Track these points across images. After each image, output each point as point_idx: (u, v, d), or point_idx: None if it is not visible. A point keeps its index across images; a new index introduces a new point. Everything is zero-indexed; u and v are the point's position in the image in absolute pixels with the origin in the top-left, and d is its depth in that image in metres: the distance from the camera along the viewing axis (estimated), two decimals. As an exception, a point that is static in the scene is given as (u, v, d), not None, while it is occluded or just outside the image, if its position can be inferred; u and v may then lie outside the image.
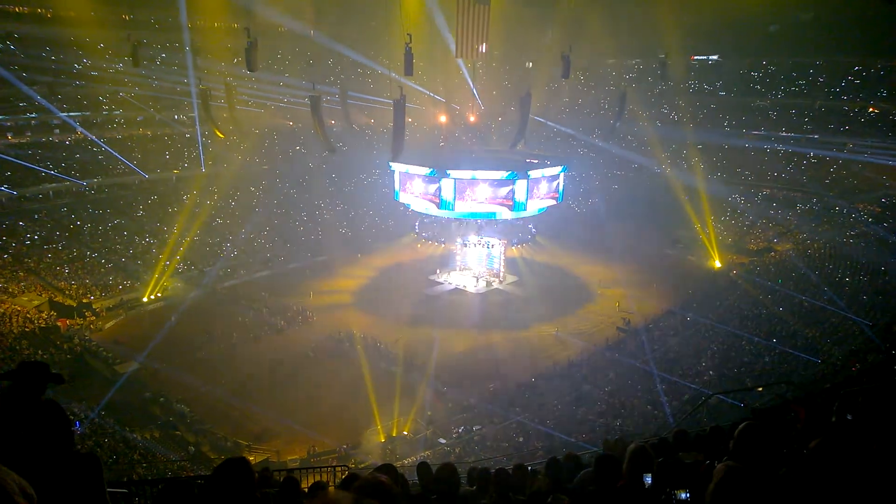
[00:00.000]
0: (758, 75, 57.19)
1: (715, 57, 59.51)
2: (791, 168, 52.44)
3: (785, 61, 54.97)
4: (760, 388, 20.88)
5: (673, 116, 58.70)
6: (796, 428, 5.55)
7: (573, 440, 21.36)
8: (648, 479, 4.48)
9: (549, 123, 56.48)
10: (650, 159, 55.72)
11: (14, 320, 31.43)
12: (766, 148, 53.89)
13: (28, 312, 32.92)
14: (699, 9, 49.12)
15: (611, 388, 27.01)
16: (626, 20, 52.15)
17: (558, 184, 39.89)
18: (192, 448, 23.83)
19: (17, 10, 44.67)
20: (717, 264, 43.68)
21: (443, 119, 60.90)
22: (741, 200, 52.04)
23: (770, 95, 56.17)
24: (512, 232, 43.01)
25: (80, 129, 45.22)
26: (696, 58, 59.61)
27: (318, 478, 12.14)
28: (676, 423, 18.39)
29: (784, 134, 53.74)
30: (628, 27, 52.93)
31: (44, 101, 43.20)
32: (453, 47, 40.64)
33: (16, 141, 43.15)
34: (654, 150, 54.44)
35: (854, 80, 52.36)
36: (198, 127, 37.17)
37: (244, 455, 22.68)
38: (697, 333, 31.76)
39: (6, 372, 4.17)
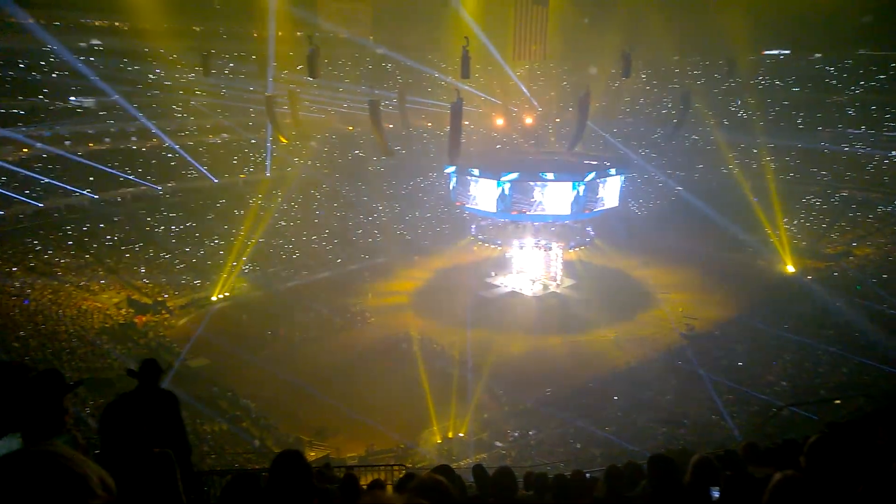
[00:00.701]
0: (833, 70, 54.60)
1: (787, 52, 57.08)
2: (871, 167, 49.89)
3: (862, 55, 52.27)
4: (838, 401, 19.86)
5: (741, 115, 56.76)
6: (876, 444, 5.26)
7: (633, 448, 20.89)
8: (715, 493, 4.33)
9: (599, 129, 55.52)
10: (716, 159, 54.04)
11: (95, 316, 33.20)
12: (844, 146, 51.41)
13: (108, 309, 34.72)
14: (769, 1, 47.34)
15: (673, 396, 26.26)
16: (691, 16, 50.77)
17: (617, 186, 39.21)
18: (257, 442, 24.52)
19: (97, 24, 47.04)
20: (790, 269, 41.90)
21: (500, 122, 60.72)
22: (816, 202, 49.80)
23: (847, 91, 53.51)
24: (570, 234, 42.45)
25: (162, 138, 46.97)
26: (766, 52, 57.38)
27: (375, 475, 12.30)
28: (743, 436, 17.75)
29: (863, 131, 51.16)
30: (694, 23, 51.51)
31: (131, 110, 45.14)
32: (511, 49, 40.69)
33: (97, 148, 45.40)
34: (720, 149, 52.77)
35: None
36: (269, 134, 38.12)
37: (305, 450, 23.18)
38: (768, 341, 30.47)
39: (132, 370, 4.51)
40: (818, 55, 54.75)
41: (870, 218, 46.27)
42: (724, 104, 56.89)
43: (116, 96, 44.81)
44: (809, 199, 50.11)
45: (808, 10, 46.51)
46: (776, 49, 56.92)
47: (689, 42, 54.25)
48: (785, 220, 45.21)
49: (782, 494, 2.72)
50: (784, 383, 25.66)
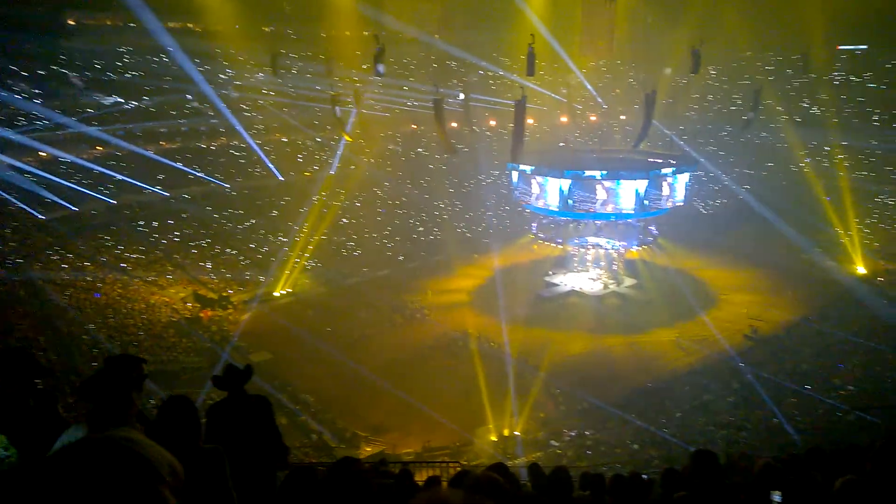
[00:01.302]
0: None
1: (863, 47, 54.54)
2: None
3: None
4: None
5: (814, 112, 54.59)
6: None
7: (692, 451, 20.51)
8: (777, 498, 4.36)
9: (665, 127, 54.32)
10: (787, 158, 52.16)
11: (162, 311, 34.64)
12: (922, 143, 48.89)
13: (175, 304, 36.12)
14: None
15: (734, 399, 25.64)
16: (765, 10, 49.18)
17: (683, 184, 38.38)
18: (314, 436, 25.18)
19: (170, 25, 49.06)
20: (861, 270, 40.15)
21: (564, 119, 60.19)
22: (891, 202, 47.55)
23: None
24: (632, 233, 41.78)
25: (243, 136, 48.57)
26: (841, 48, 54.99)
27: (431, 472, 12.55)
28: (804, 441, 17.28)
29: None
30: (768, 18, 49.88)
31: (223, 104, 46.69)
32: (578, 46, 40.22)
33: (168, 146, 47.41)
34: (791, 147, 50.93)
35: None
36: (345, 131, 38.89)
37: (362, 445, 23.66)
38: (836, 345, 29.47)
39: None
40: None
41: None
42: (796, 101, 54.82)
43: (189, 96, 46.79)
44: (883, 199, 47.91)
45: (886, 5, 44.36)
46: (852, 45, 54.49)
47: (763, 37, 52.57)
48: (857, 219, 43.32)
49: (846, 499, 2.77)
50: (851, 387, 24.77)
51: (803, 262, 41.74)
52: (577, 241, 41.94)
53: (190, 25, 49.51)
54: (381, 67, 27.74)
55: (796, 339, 31.48)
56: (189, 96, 48.64)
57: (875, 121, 52.08)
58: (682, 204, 39.38)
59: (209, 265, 41.67)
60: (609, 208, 36.80)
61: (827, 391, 24.83)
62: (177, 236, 43.56)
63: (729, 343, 31.85)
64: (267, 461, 4.31)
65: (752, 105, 38.73)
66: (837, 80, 55.06)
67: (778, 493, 4.41)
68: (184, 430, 3.53)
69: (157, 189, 44.36)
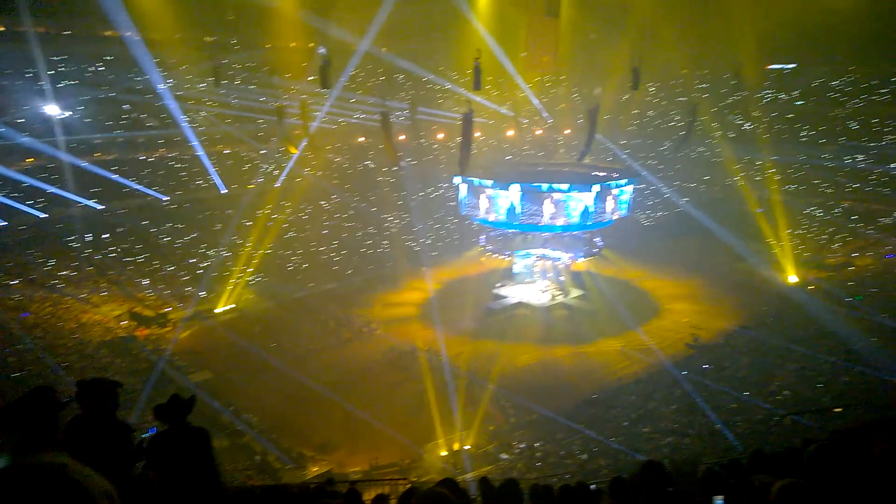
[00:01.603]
0: (837, 84, 54.77)
1: (792, 66, 57.25)
2: (872, 180, 49.97)
3: (866, 70, 52.42)
4: (838, 409, 19.91)
5: (746, 128, 56.89)
6: (875, 453, 5.31)
7: (638, 458, 20.87)
8: (720, 503, 4.40)
9: (608, 141, 55.71)
10: (722, 171, 54.10)
11: (95, 330, 33.15)
12: (846, 159, 51.51)
13: (109, 322, 34.63)
14: (775, 17, 47.55)
15: (678, 406, 26.22)
16: (699, 30, 51.05)
17: (626, 197, 39.29)
18: (258, 457, 24.49)
19: (107, 34, 47.52)
20: (793, 279, 41.88)
21: (510, 133, 60.98)
22: (819, 213, 49.89)
23: (851, 105, 53.60)
24: (578, 245, 42.52)
25: (194, 146, 47.16)
26: (771, 67, 57.55)
27: (379, 490, 12.33)
28: (743, 445, 17.78)
29: (865, 144, 51.28)
30: (701, 37, 51.78)
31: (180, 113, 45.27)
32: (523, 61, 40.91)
33: (104, 158, 45.70)
34: (726, 161, 52.89)
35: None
36: (291, 143, 38.12)
37: (308, 465, 23.17)
38: (771, 351, 30.54)
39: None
40: (822, 70, 54.78)
41: (870, 230, 46.32)
42: (729, 117, 57.01)
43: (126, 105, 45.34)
44: (812, 211, 50.25)
45: (812, 26, 46.72)
46: (781, 63, 57.12)
47: (697, 56, 54.53)
48: (788, 231, 45.21)
49: (784, 502, 2.78)
50: (786, 392, 25.68)
51: (740, 272, 43.28)
52: (524, 253, 42.35)
53: (128, 34, 48.06)
54: (327, 79, 27.49)
55: (735, 346, 32.47)
56: (126, 106, 47.09)
57: (803, 137, 54.55)
58: (625, 216, 40.32)
59: (146, 281, 40.23)
60: (559, 221, 37.34)
61: (764, 397, 25.67)
62: (112, 251, 41.91)
63: (672, 352, 32.70)
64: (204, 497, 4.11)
65: (688, 121, 40.02)
66: (768, 98, 57.48)
67: (720, 497, 4.45)
68: (117, 455, 3.39)
69: (90, 202, 42.42)
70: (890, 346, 27.07)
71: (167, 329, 35.67)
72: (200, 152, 47.78)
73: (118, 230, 43.34)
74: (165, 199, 46.58)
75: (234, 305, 39.56)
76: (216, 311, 38.95)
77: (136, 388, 27.51)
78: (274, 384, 29.33)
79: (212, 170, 47.97)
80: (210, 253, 44.05)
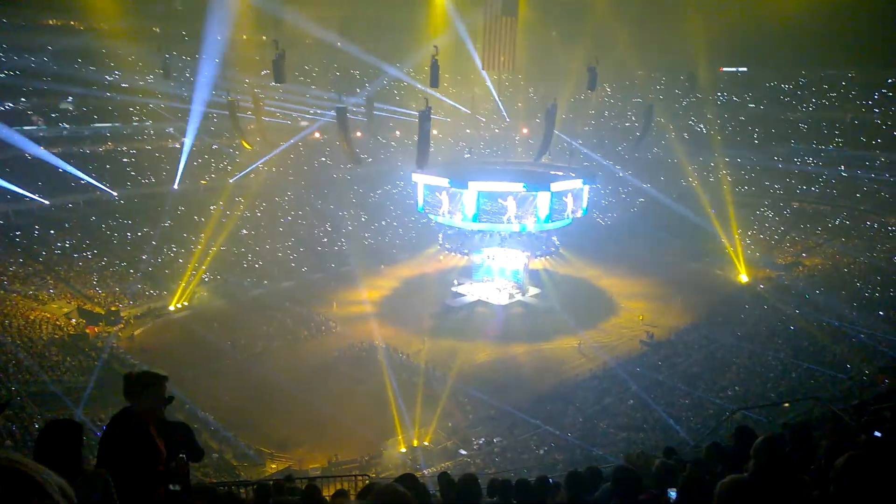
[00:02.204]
0: (788, 87, 56.46)
1: (744, 69, 58.79)
2: (821, 181, 51.63)
3: (816, 73, 54.15)
4: (787, 404, 20.50)
5: (700, 129, 58.18)
6: (821, 445, 5.48)
7: (595, 453, 21.16)
8: (673, 494, 4.44)
9: (567, 137, 56.25)
10: (677, 172, 55.22)
11: (44, 327, 32.02)
12: (796, 160, 53.15)
13: (58, 320, 33.50)
14: (728, 20, 48.74)
15: (633, 402, 26.69)
16: (653, 32, 51.97)
17: (583, 196, 39.73)
18: (215, 455, 24.00)
19: (50, 22, 45.82)
20: (744, 278, 43.05)
21: (468, 131, 61.09)
22: (770, 214, 51.33)
23: (801, 108, 55.30)
24: (535, 244, 42.86)
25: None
26: (724, 69, 58.99)
27: (339, 486, 12.19)
28: (694, 439, 18.16)
29: (814, 146, 52.96)
30: (656, 39, 52.73)
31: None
32: (480, 59, 41.10)
33: (49, 151, 44.12)
34: (681, 162, 53.99)
35: (888, 92, 51.38)
36: (244, 138, 37.28)
37: (266, 463, 22.80)
38: (722, 348, 31.32)
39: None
40: (774, 73, 56.30)
41: (819, 230, 47.85)
42: (684, 119, 58.20)
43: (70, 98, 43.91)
44: (763, 212, 51.62)
45: (763, 30, 48.06)
46: (734, 66, 58.59)
47: (653, 58, 55.55)
48: (740, 231, 46.43)
49: (730, 496, 2.82)
50: (737, 388, 26.32)
51: (693, 271, 44.32)
52: (482, 252, 42.49)
53: (73, 23, 46.48)
54: (281, 73, 27.02)
55: (688, 343, 33.20)
56: (70, 98, 45.57)
57: (755, 138, 56.08)
58: (583, 216, 40.79)
59: (95, 278, 39.03)
60: (512, 219, 37.51)
61: (716, 392, 26.29)
62: (59, 247, 40.53)
63: (627, 348, 33.29)
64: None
65: (643, 122, 40.72)
66: (721, 100, 58.93)
67: (674, 490, 4.49)
68: (67, 454, 3.31)
69: (36, 196, 40.82)
70: (836, 343, 27.98)
71: (119, 327, 34.70)
72: (188, 142, 46.50)
73: (65, 225, 41.92)
74: (114, 194, 45.19)
75: (186, 303, 38.69)
76: (169, 308, 38.04)
77: (86, 386, 26.76)
78: (231, 382, 28.79)
79: (182, 163, 46.59)
80: (163, 250, 42.97)
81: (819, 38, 47.83)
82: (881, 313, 30.87)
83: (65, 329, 32.79)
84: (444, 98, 49.81)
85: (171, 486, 4.13)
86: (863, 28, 44.55)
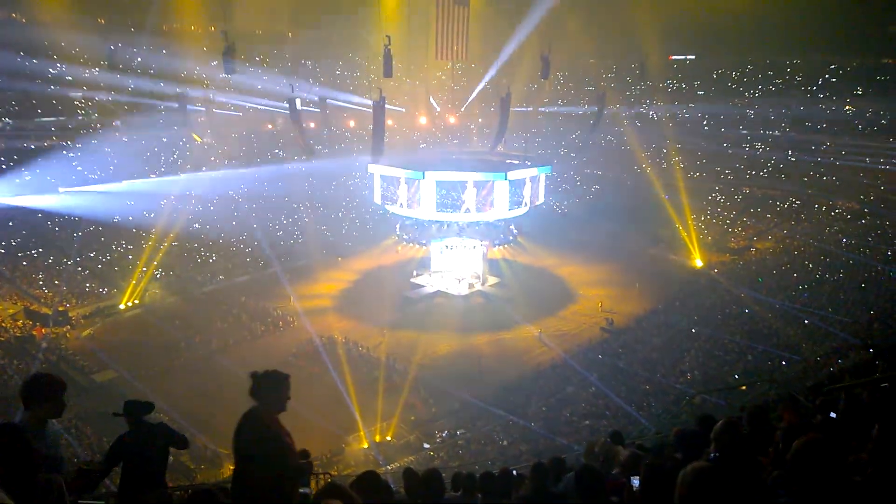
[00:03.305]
0: (735, 74, 57.67)
1: (692, 57, 59.84)
2: (769, 167, 52.98)
3: (762, 60, 55.39)
4: (744, 387, 20.99)
5: (652, 116, 59.04)
6: (780, 427, 5.51)
7: (558, 442, 21.30)
8: (636, 482, 4.40)
9: (526, 126, 56.53)
10: (631, 159, 55.97)
11: (-11, 330, 30.86)
12: (745, 146, 54.42)
13: (3, 321, 32.28)
14: (675, 8, 49.51)
15: (595, 389, 26.96)
16: (604, 21, 52.46)
17: (539, 184, 39.98)
18: (171, 458, 23.34)
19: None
20: (699, 263, 43.95)
21: (423, 121, 60.83)
22: (721, 199, 52.48)
23: (748, 94, 56.58)
24: (494, 233, 43.00)
25: None
26: (673, 57, 59.92)
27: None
28: (655, 426, 18.42)
29: (762, 133, 54.25)
30: (607, 28, 53.24)
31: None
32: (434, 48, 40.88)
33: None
34: (634, 149, 54.73)
35: (831, 78, 52.93)
36: (194, 131, 36.09)
37: (224, 464, 22.32)
38: (680, 333, 31.85)
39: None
40: (721, 60, 57.38)
41: (768, 215, 49.14)
42: (636, 106, 58.93)
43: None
44: (714, 197, 52.72)
45: (710, 18, 48.97)
46: (682, 55, 59.57)
47: (604, 46, 56.08)
48: (693, 216, 47.33)
49: (693, 482, 2.81)
50: (696, 372, 26.82)
51: (650, 258, 45.01)
52: (440, 242, 42.39)
53: (14, 15, 44.57)
54: (230, 64, 26.33)
55: (647, 329, 33.65)
56: (10, 92, 43.71)
57: (705, 125, 57.18)
58: (540, 204, 41.01)
59: (42, 277, 37.61)
60: (469, 209, 37.51)
61: (675, 377, 26.76)
62: (3, 246, 38.91)
63: (587, 336, 33.63)
64: None
65: (597, 110, 41.09)
66: (671, 88, 59.89)
67: (637, 478, 4.46)
68: (15, 461, 3.07)
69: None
70: (790, 326, 28.74)
71: (66, 328, 33.55)
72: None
73: (9, 224, 40.23)
74: (59, 191, 43.52)
75: (137, 301, 37.63)
76: (120, 307, 36.93)
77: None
78: (186, 381, 28.11)
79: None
80: (111, 247, 41.62)
81: (764, 27, 48.98)
82: (841, 295, 31.58)
83: (11, 331, 31.64)
84: (398, 89, 49.41)
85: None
86: (806, 17, 45.76)
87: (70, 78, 44.94)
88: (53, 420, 4.15)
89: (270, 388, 4.33)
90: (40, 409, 4.02)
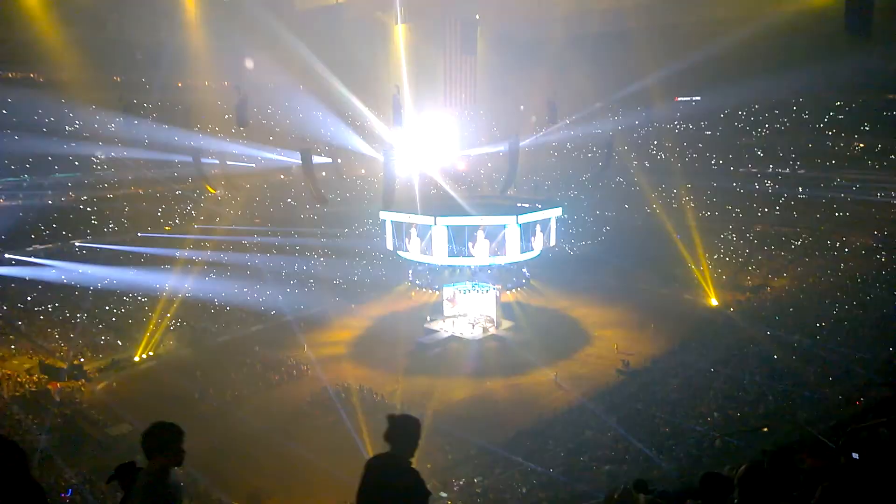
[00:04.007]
0: (742, 114, 57.97)
1: (698, 98, 60.31)
2: (781, 204, 52.82)
3: (768, 99, 55.68)
4: (766, 429, 20.52)
5: (660, 157, 59.31)
6: (804, 470, 5.40)
7: (578, 489, 20.81)
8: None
9: (535, 170, 56.94)
10: (640, 200, 56.05)
11: (5, 385, 30.91)
12: (756, 185, 54.39)
13: (19, 376, 32.37)
14: (680, 51, 50.14)
15: (613, 433, 26.43)
16: (609, 64, 53.19)
17: (551, 227, 40.04)
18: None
19: (10, 75, 45.35)
20: (714, 302, 43.53)
21: (433, 168, 61.36)
22: (733, 237, 52.22)
23: (755, 133, 56.80)
24: (506, 277, 42.93)
25: None
26: (679, 99, 60.43)
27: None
28: (678, 469, 17.99)
29: (771, 171, 54.25)
30: (612, 71, 53.94)
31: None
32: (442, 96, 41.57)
33: (7, 204, 43.10)
34: (643, 190, 54.84)
35: (837, 115, 53.05)
36: (208, 183, 36.63)
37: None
38: (698, 374, 31.29)
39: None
40: (726, 100, 57.69)
41: (782, 252, 48.79)
42: (644, 148, 59.25)
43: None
44: (727, 235, 52.47)
45: (714, 58, 49.49)
46: (688, 96, 60.07)
47: (610, 89, 56.76)
48: (706, 255, 47.08)
49: None
50: (716, 414, 26.25)
51: (664, 297, 44.64)
52: (453, 287, 42.33)
53: (31, 76, 46.03)
54: (243, 117, 26.96)
55: (664, 370, 33.14)
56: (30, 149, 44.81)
57: (713, 165, 57.32)
58: (551, 246, 41.00)
59: (57, 332, 37.84)
60: (481, 253, 37.53)
61: (695, 419, 26.15)
62: (19, 302, 39.27)
63: (604, 378, 33.16)
64: None
65: (605, 152, 41.39)
66: (678, 129, 60.24)
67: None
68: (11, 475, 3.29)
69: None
70: (809, 364, 28.22)
71: (81, 382, 33.55)
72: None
73: (25, 279, 40.71)
74: (75, 244, 44.20)
75: (152, 353, 37.69)
76: (134, 359, 36.99)
77: (51, 445, 25.80)
78: (199, 433, 27.79)
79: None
80: (126, 299, 41.90)
81: (768, 66, 49.35)
82: (861, 332, 31.02)
83: (26, 386, 31.68)
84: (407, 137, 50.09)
85: None
86: (810, 55, 46.12)
87: (87, 134, 45.98)
88: (175, 469, 4.25)
89: (409, 432, 4.50)
90: (162, 457, 4.08)
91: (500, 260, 38.86)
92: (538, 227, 38.79)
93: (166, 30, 45.15)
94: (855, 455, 5.39)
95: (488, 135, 62.96)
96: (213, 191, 41.61)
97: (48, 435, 26.95)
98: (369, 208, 51.53)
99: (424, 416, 28.70)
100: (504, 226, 37.10)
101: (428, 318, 42.78)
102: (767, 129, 55.99)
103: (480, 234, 37.15)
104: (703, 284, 44.90)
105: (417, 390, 32.06)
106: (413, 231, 38.51)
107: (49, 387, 32.20)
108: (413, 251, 38.90)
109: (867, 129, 50.42)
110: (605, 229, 58.33)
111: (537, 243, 38.91)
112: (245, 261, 48.58)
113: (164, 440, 4.12)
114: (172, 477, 4.21)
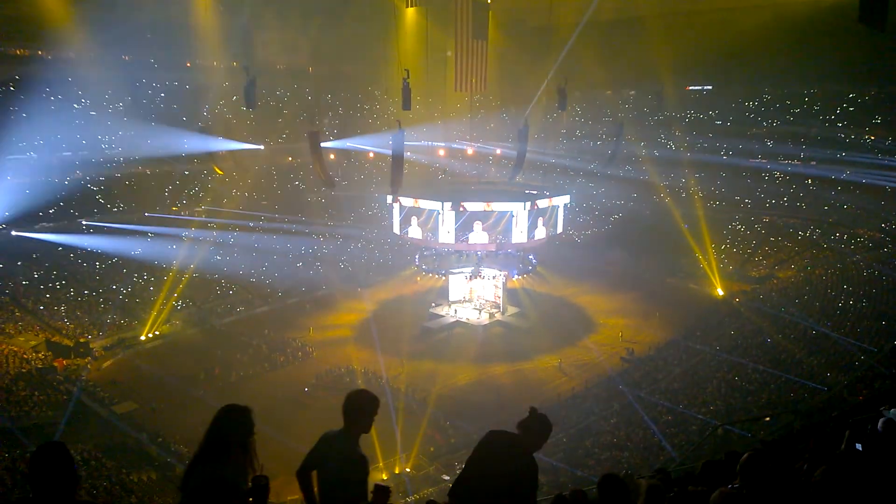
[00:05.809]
0: (753, 104, 57.51)
1: (709, 87, 59.86)
2: (790, 195, 52.54)
3: (779, 91, 55.23)
4: (768, 418, 20.57)
5: (670, 146, 58.98)
6: (804, 458, 5.41)
7: (579, 474, 20.93)
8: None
9: (541, 156, 56.70)
10: (649, 189, 55.84)
11: (11, 361, 31.11)
12: (765, 175, 54.09)
13: (25, 353, 32.57)
14: (692, 40, 49.69)
15: (616, 420, 26.55)
16: (620, 52, 52.84)
17: (558, 214, 39.95)
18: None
19: (17, 52, 45.25)
20: (720, 292, 43.47)
21: (441, 152, 61.29)
22: (741, 228, 52.04)
23: (766, 124, 56.37)
24: (513, 263, 42.87)
25: None
26: (690, 88, 60.00)
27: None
28: (680, 456, 18.06)
29: (781, 162, 53.90)
30: (623, 59, 53.59)
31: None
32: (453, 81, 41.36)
33: (15, 181, 43.16)
34: (652, 179, 54.61)
35: (849, 107, 52.58)
36: (216, 163, 36.48)
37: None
38: (702, 363, 31.41)
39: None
40: (738, 90, 57.24)
41: (789, 243, 48.59)
42: (654, 136, 58.93)
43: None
44: (735, 226, 52.30)
45: (727, 48, 49.05)
46: (699, 85, 59.63)
47: (620, 77, 56.40)
48: (713, 245, 46.96)
49: None
50: (718, 402, 26.32)
51: (670, 286, 44.61)
52: (459, 272, 42.35)
53: (39, 53, 45.89)
54: (252, 99, 26.87)
55: (668, 358, 33.24)
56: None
57: (723, 154, 56.94)
58: (559, 233, 40.97)
59: (64, 309, 38.08)
60: (489, 239, 37.53)
61: (697, 407, 26.26)
62: (26, 279, 39.51)
63: (608, 366, 33.22)
64: None
65: (614, 140, 41.14)
66: (689, 118, 59.84)
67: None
68: (57, 482, 3.14)
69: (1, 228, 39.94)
70: (813, 355, 28.20)
71: (87, 360, 33.80)
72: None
73: (33, 255, 40.91)
74: (82, 222, 44.31)
75: (158, 333, 37.91)
76: (140, 338, 37.22)
77: (58, 421, 26.02)
78: (205, 413, 27.69)
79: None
80: (133, 278, 42.06)
81: (779, 58, 48.92)
82: (866, 323, 31.00)
83: (32, 363, 31.87)
84: (417, 121, 50.01)
85: None
86: (823, 46, 45.62)
87: (94, 113, 45.91)
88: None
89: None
90: (354, 426, 4.44)
91: (507, 246, 38.85)
92: (547, 213, 38.72)
93: (176, 8, 44.87)
94: (858, 446, 5.40)
95: (497, 121, 62.78)
96: (220, 172, 41.60)
97: (54, 412, 27.24)
98: (377, 192, 51.51)
99: (427, 399, 28.94)
100: (510, 211, 37.04)
101: (433, 304, 42.85)
102: (778, 120, 55.53)
103: (487, 220, 37.11)
104: (710, 274, 44.82)
105: (421, 374, 32.23)
106: (419, 215, 38.49)
107: (55, 364, 32.42)
108: (419, 235, 38.91)
109: (878, 121, 49.97)
110: (613, 217, 58.20)
111: (546, 230, 38.85)
112: (252, 242, 48.66)
113: (358, 407, 4.43)
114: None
